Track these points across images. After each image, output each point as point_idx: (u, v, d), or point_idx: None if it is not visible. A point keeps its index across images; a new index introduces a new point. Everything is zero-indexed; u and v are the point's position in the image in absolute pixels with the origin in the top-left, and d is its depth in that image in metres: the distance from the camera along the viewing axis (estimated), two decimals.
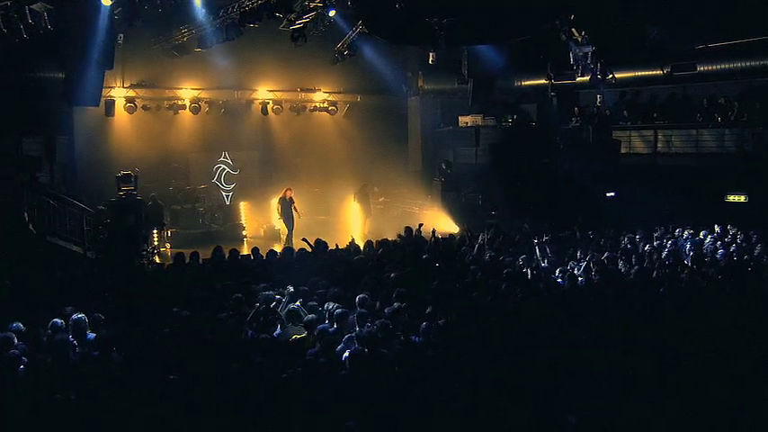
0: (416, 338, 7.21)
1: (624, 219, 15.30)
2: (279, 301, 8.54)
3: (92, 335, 7.43)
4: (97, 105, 14.40)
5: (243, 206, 20.19)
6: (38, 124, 13.71)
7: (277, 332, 7.63)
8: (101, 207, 13.62)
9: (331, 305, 8.27)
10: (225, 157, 21.22)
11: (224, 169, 21.28)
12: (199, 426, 5.35)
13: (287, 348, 6.88)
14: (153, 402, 5.64)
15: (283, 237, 17.69)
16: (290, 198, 17.49)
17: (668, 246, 13.00)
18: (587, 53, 15.40)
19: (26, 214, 11.82)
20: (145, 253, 13.00)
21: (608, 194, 19.03)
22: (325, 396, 5.76)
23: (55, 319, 7.60)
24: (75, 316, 7.63)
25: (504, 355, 6.46)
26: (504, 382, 5.74)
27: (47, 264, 11.48)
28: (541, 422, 5.07)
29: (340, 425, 5.20)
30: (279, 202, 17.55)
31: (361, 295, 8.48)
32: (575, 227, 14.34)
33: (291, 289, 8.73)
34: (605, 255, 12.09)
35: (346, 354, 6.66)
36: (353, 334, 7.02)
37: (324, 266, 11.13)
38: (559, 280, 10.54)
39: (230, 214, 19.98)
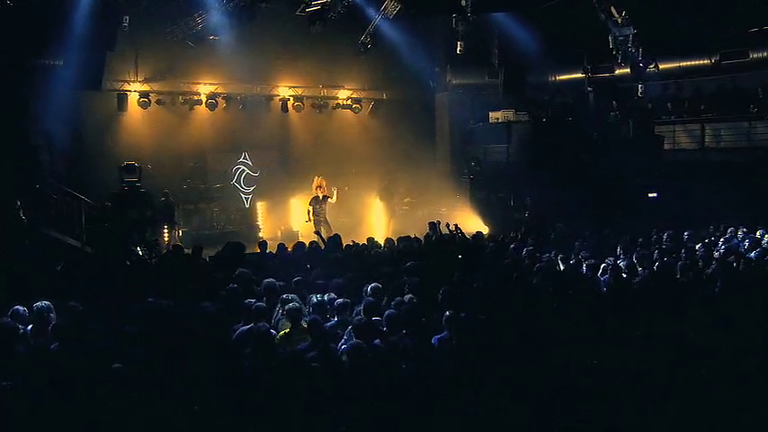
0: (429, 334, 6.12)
1: (669, 218, 13.96)
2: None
3: None
4: (99, 89, 13.63)
5: (260, 206, 19.30)
6: (37, 113, 12.91)
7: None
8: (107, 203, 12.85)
9: (330, 296, 7.23)
10: (245, 158, 20.32)
11: (243, 171, 20.37)
12: (152, 422, 4.57)
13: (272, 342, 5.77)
14: (106, 396, 4.79)
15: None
16: (324, 196, 16.47)
17: (722, 243, 11.72)
18: (628, 36, 14.10)
19: (18, 203, 10.98)
20: (144, 247, 12.06)
21: (650, 195, 17.71)
22: (317, 395, 4.78)
23: (17, 306, 6.66)
24: (38, 304, 6.67)
25: (517, 353, 5.49)
26: (509, 381, 4.89)
27: (40, 256, 10.77)
28: (542, 423, 4.41)
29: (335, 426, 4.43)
30: (310, 204, 16.42)
31: (370, 285, 7.39)
32: (613, 226, 13.18)
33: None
34: (653, 251, 10.87)
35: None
36: (351, 326, 5.92)
37: (336, 261, 10.12)
38: (599, 276, 9.37)
39: (247, 215, 19.13)
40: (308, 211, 16.35)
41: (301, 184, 18.69)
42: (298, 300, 6.99)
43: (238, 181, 20.14)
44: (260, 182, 20.06)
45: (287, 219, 18.85)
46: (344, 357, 5.10)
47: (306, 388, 4.92)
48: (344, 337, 6.26)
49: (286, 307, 6.65)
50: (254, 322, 6.39)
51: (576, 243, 12.13)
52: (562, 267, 10.03)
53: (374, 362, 4.98)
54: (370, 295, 7.04)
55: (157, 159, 17.12)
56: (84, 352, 5.45)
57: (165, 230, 15.34)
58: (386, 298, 7.33)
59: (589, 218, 14.61)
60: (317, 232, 11.51)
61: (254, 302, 6.70)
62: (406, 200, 20.00)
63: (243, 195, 20.17)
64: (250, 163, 20.27)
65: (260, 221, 18.94)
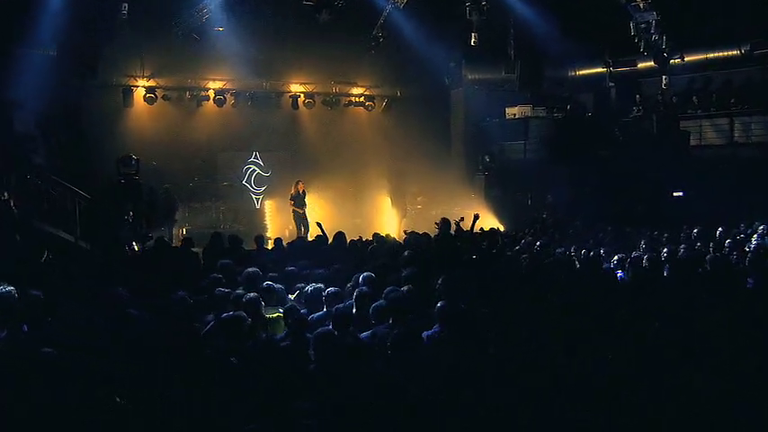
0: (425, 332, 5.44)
1: (696, 217, 13.11)
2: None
3: None
4: (94, 79, 13.16)
5: (268, 206, 18.76)
6: (29, 102, 12.43)
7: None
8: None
9: (320, 286, 6.56)
10: (255, 157, 19.80)
11: (254, 171, 19.85)
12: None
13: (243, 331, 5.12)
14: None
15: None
16: (303, 191, 15.97)
17: (755, 240, 10.89)
18: (650, 22, 13.27)
19: (6, 194, 10.51)
20: (139, 241, 11.53)
21: (675, 194, 16.83)
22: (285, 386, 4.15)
23: None
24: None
25: (522, 351, 4.83)
26: (512, 381, 4.27)
27: (31, 250, 10.33)
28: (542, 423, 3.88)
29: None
30: (292, 200, 15.94)
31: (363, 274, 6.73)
32: (635, 225, 12.48)
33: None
34: (680, 247, 10.10)
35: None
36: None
37: (334, 254, 9.50)
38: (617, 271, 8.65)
39: (254, 215, 18.60)
40: (293, 209, 16.05)
41: (310, 184, 18.12)
42: (278, 289, 6.36)
43: (249, 181, 19.61)
44: (269, 181, 19.52)
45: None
46: (310, 347, 4.43)
47: (274, 379, 4.30)
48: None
49: (243, 299, 5.96)
50: (231, 311, 5.75)
51: (592, 239, 11.47)
52: (578, 262, 9.28)
53: (344, 352, 4.29)
54: (362, 285, 6.34)
55: (164, 156, 16.67)
56: (27, 338, 4.89)
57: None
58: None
59: (610, 217, 13.85)
60: (319, 223, 10.94)
61: (227, 291, 6.05)
62: (418, 198, 19.34)
63: (254, 196, 19.62)
64: (261, 163, 19.75)
65: (267, 221, 18.38)
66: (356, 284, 6.42)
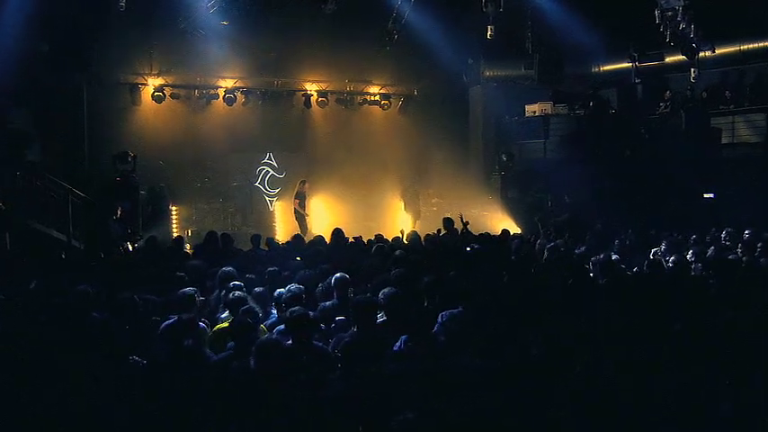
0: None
1: (728, 221, 12.21)
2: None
3: None
4: (87, 74, 12.78)
5: (280, 207, 18.26)
6: (28, 96, 12.06)
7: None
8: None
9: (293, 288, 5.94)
10: (269, 158, 19.31)
11: (268, 172, 19.35)
12: None
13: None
14: None
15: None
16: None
17: None
18: (677, 9, 12.41)
19: None
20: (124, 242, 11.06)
21: (705, 196, 15.91)
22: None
23: None
24: None
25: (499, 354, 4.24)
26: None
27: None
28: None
29: None
30: (297, 198, 15.77)
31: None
32: (660, 228, 11.71)
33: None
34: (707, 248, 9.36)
35: None
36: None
37: (330, 255, 8.89)
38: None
39: (264, 216, 18.09)
40: (295, 209, 16.09)
41: (323, 185, 17.59)
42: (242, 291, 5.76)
43: (262, 183, 19.13)
44: (283, 183, 19.02)
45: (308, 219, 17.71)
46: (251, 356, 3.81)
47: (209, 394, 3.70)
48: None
49: (229, 297, 5.43)
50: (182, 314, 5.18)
51: (617, 241, 10.73)
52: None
53: (285, 362, 3.66)
54: (333, 287, 5.71)
55: (171, 155, 16.34)
56: None
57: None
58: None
59: (634, 220, 13.05)
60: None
61: (182, 292, 5.48)
62: (434, 200, 18.67)
63: (267, 198, 19.11)
64: (275, 164, 19.25)
65: (277, 223, 17.89)
66: (328, 287, 5.78)
